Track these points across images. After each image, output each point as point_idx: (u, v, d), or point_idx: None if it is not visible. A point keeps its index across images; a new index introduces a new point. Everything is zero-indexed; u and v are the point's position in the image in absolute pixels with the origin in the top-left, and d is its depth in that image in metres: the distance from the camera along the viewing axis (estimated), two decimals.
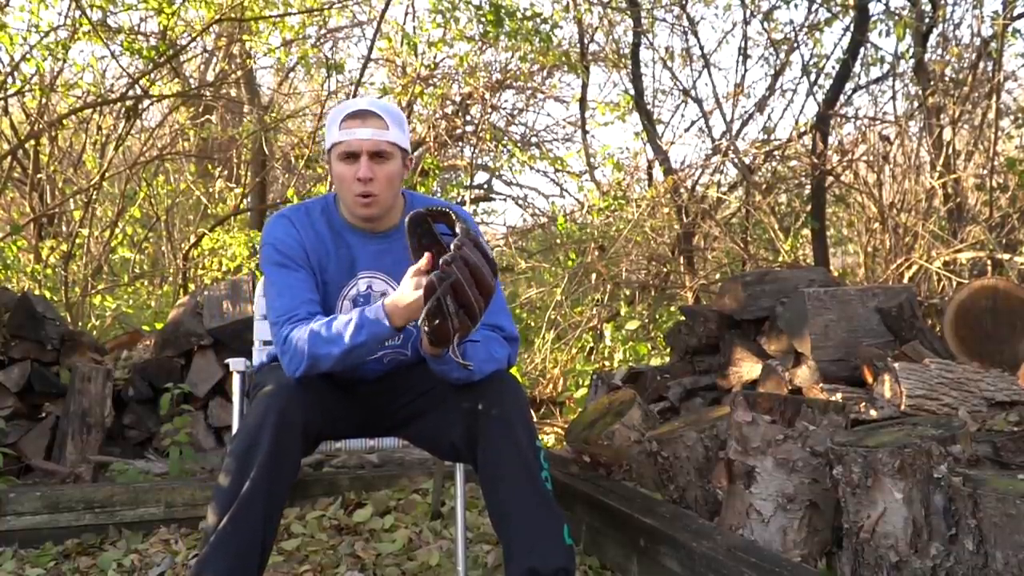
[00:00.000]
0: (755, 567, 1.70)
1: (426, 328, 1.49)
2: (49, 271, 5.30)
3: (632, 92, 6.52)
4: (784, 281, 3.24)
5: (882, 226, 5.05)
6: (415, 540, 2.45)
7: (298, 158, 6.16)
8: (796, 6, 10.52)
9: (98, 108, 5.44)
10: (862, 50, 5.62)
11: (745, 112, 6.71)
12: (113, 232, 6.04)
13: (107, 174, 5.41)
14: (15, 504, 2.45)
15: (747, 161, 6.04)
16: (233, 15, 5.20)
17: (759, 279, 3.28)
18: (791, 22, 10.61)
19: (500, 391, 1.69)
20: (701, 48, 8.53)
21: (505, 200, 10.11)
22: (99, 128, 5.75)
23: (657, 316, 5.62)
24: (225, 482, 1.55)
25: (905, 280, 4.47)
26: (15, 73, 4.77)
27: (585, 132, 7.32)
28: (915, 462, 1.67)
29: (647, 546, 2.03)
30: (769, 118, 7.66)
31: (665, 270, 6.28)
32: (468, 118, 7.30)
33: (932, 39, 5.45)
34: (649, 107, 6.76)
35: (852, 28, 5.40)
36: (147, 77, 5.09)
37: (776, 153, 6.17)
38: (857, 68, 5.71)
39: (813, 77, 6.18)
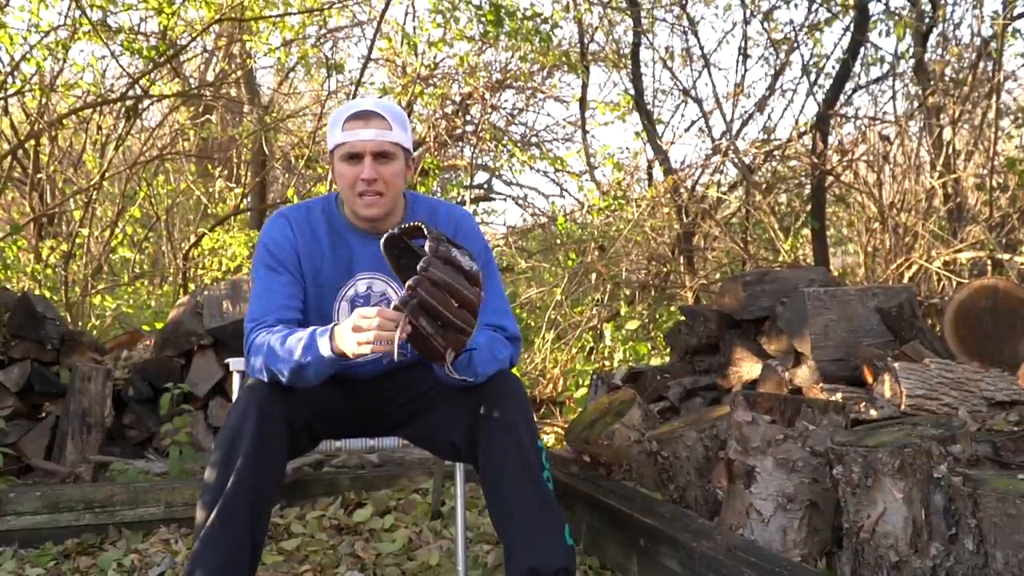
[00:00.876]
0: (755, 567, 1.70)
1: (417, 350, 1.48)
2: (49, 271, 5.31)
3: (632, 92, 6.52)
4: (784, 281, 3.24)
5: (882, 226, 5.05)
6: (415, 540, 2.45)
7: (298, 158, 6.16)
8: (796, 6, 10.55)
9: (98, 108, 5.44)
10: (862, 50, 5.62)
11: (745, 112, 6.72)
12: (113, 232, 6.04)
13: (107, 174, 5.41)
14: (15, 504, 2.45)
15: (747, 161, 6.04)
16: (233, 15, 5.20)
17: (759, 279, 3.28)
18: (791, 22, 10.60)
19: (503, 391, 1.69)
20: (701, 48, 8.53)
21: (505, 200, 10.11)
22: (99, 128, 5.75)
23: (657, 316, 5.62)
24: (211, 478, 1.55)
25: (905, 280, 4.47)
26: (15, 73, 4.77)
27: (585, 132, 7.31)
28: (915, 462, 1.67)
29: (647, 546, 2.04)
30: (769, 118, 7.67)
31: (665, 270, 6.28)
32: (468, 118, 7.30)
33: (932, 39, 5.46)
34: (649, 107, 6.75)
35: (852, 28, 5.39)
36: (147, 77, 5.09)
37: (776, 153, 6.17)
38: (857, 68, 5.71)
39: (813, 77, 6.18)
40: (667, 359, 4.04)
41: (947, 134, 5.05)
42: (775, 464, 2.01)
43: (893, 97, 6.52)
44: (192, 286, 5.80)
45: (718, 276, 5.88)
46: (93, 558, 2.34)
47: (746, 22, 6.62)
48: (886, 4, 6.81)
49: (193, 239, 6.18)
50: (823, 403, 2.09)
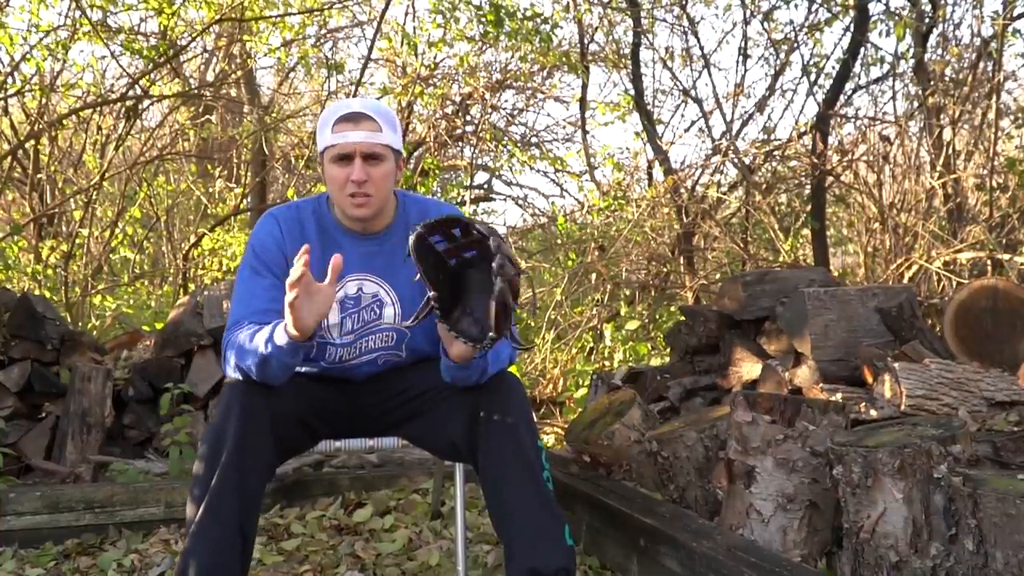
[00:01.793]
0: (755, 567, 1.70)
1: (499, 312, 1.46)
2: (49, 271, 5.31)
3: (632, 92, 6.52)
4: (784, 281, 3.24)
5: (882, 226, 5.05)
6: (415, 540, 2.45)
7: (298, 158, 6.17)
8: (796, 6, 10.55)
9: (98, 108, 5.45)
10: (862, 50, 5.62)
11: (745, 112, 6.72)
12: (113, 232, 6.04)
13: (107, 174, 5.42)
14: (15, 504, 2.45)
15: (747, 161, 6.04)
16: (233, 15, 5.20)
17: (759, 279, 3.28)
18: (791, 22, 10.61)
19: (503, 391, 1.69)
20: (701, 48, 8.54)
21: (505, 200, 10.13)
22: (99, 128, 5.76)
23: (657, 316, 5.62)
24: (198, 473, 1.56)
25: (905, 280, 4.47)
26: (15, 73, 4.78)
27: (585, 132, 7.31)
28: (915, 462, 1.67)
29: (647, 546, 2.03)
30: (769, 118, 7.68)
31: (665, 270, 6.28)
32: (468, 118, 7.30)
33: (932, 39, 5.45)
34: (649, 107, 6.76)
35: (852, 28, 5.39)
36: (147, 77, 5.09)
37: (776, 153, 6.17)
38: (857, 68, 5.71)
39: (813, 77, 6.19)
40: (667, 359, 4.04)
41: (947, 134, 5.05)
42: (775, 464, 2.01)
43: (893, 97, 6.54)
44: (192, 286, 5.80)
45: (718, 276, 5.88)
46: (93, 558, 2.34)
47: (746, 22, 6.63)
48: (886, 4, 6.82)
49: (193, 239, 6.19)
50: (823, 403, 2.09)
